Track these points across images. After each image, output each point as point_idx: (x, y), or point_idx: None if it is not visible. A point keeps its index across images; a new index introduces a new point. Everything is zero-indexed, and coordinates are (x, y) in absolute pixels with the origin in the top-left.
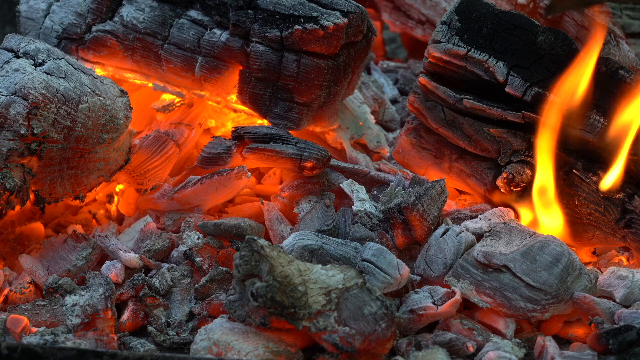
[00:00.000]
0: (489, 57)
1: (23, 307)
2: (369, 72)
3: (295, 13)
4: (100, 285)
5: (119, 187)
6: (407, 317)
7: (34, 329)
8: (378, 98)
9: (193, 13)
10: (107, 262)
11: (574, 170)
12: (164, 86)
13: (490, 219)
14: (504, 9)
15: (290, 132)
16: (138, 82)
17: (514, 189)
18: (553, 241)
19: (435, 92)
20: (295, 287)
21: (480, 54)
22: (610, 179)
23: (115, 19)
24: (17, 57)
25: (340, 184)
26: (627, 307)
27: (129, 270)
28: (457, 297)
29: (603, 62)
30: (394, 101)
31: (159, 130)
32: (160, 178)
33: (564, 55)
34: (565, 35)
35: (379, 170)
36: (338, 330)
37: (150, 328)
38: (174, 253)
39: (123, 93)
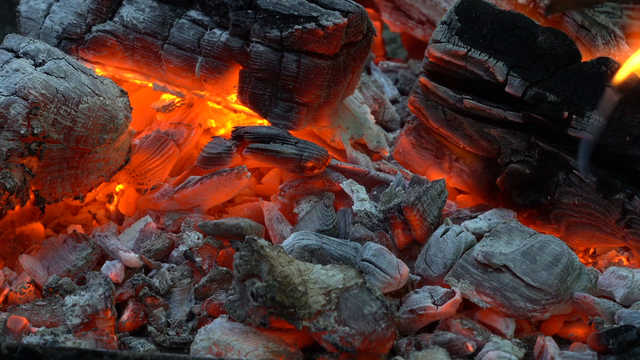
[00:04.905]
0: (489, 57)
1: (23, 307)
2: (369, 72)
3: (295, 13)
4: (100, 285)
5: (119, 187)
6: (407, 317)
7: (34, 329)
8: (378, 98)
9: (193, 13)
10: (107, 262)
11: (574, 171)
12: (164, 86)
13: (490, 219)
14: (504, 9)
15: (290, 132)
16: (138, 82)
17: (514, 189)
18: (553, 241)
19: (435, 92)
20: (295, 287)
21: (480, 54)
22: None
23: (115, 19)
24: (17, 57)
25: (340, 184)
26: (627, 307)
27: (129, 270)
28: (457, 297)
29: (603, 62)
30: (394, 101)
31: (159, 130)
32: (160, 178)
33: (564, 55)
34: (565, 35)
35: (379, 170)
36: (338, 330)
37: (150, 328)
38: (174, 253)
39: (123, 93)
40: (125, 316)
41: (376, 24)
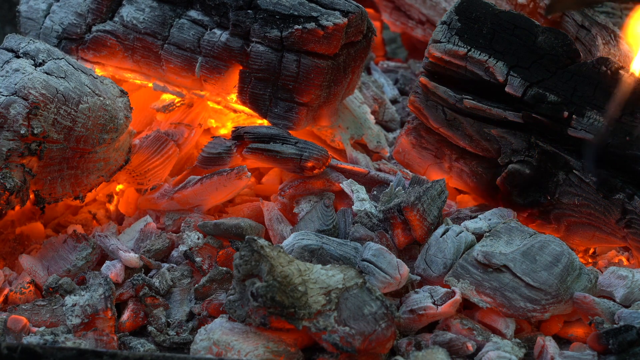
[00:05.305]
0: (489, 57)
1: (23, 307)
2: (369, 72)
3: (295, 13)
4: (100, 285)
5: (119, 187)
6: (407, 317)
7: (34, 329)
8: (378, 98)
9: (193, 13)
10: (107, 262)
11: (574, 171)
12: (164, 86)
13: (490, 219)
14: (504, 9)
15: (290, 132)
16: (138, 82)
17: (514, 189)
18: (553, 241)
19: (435, 92)
20: (295, 287)
21: (480, 54)
22: None
23: (115, 19)
24: (17, 57)
25: (341, 184)
26: (627, 307)
27: (129, 270)
28: (457, 297)
29: (603, 62)
30: (394, 101)
31: (159, 130)
32: (160, 178)
33: (564, 55)
34: (565, 35)
35: (379, 170)
36: (338, 330)
37: (150, 328)
38: (174, 253)
39: (123, 93)
40: (125, 316)
41: (376, 24)
